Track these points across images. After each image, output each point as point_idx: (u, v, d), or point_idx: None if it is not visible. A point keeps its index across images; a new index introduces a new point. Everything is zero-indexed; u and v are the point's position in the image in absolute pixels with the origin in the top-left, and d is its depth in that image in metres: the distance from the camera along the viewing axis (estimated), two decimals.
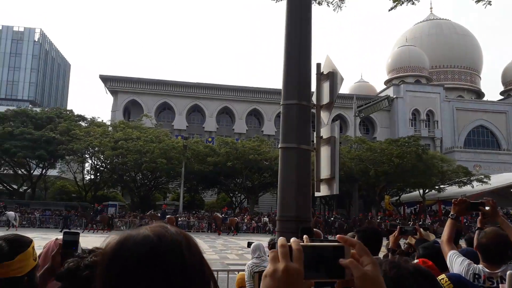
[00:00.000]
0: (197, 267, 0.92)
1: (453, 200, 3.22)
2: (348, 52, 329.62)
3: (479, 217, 3.27)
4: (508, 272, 2.44)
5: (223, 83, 62.65)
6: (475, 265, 2.90)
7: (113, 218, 34.10)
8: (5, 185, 44.36)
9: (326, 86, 5.07)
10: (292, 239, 0.87)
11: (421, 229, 4.25)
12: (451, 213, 3.22)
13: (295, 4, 5.27)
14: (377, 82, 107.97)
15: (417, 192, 44.42)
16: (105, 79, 59.10)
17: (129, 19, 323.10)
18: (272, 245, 5.00)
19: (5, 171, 44.05)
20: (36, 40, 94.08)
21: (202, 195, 49.08)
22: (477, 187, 39.01)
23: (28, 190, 45.56)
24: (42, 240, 17.22)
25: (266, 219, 36.70)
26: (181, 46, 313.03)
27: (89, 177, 47.00)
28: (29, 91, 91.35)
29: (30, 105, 71.42)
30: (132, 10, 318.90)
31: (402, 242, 4.40)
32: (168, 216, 31.48)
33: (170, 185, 45.69)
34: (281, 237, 0.90)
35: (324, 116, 5.15)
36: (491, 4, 8.17)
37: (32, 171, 44.20)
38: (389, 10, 8.82)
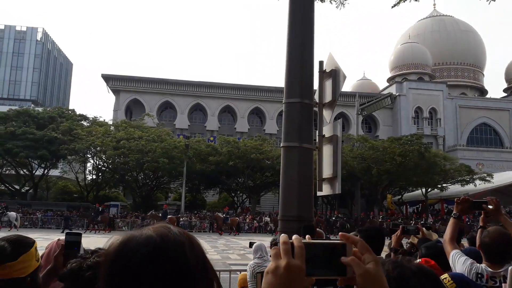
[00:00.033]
0: (200, 267, 0.92)
1: (455, 199, 3.21)
2: (351, 49, 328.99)
3: (482, 216, 3.25)
4: (510, 268, 2.43)
5: (225, 82, 62.84)
6: (478, 264, 2.90)
7: (115, 218, 34.10)
8: (7, 185, 44.38)
9: (328, 84, 5.04)
10: (294, 236, 0.87)
11: (424, 229, 4.24)
12: (454, 212, 3.20)
13: (298, 2, 5.26)
14: (380, 79, 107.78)
15: (420, 191, 44.32)
16: (107, 78, 59.17)
17: (131, 18, 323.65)
18: (274, 245, 4.98)
19: (7, 171, 44.10)
20: (39, 39, 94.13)
21: (204, 195, 49.08)
22: (480, 185, 38.88)
23: (30, 191, 45.58)
24: (44, 240, 17.15)
25: (267, 218, 36.65)
26: (183, 45, 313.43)
27: (91, 177, 47.08)
28: (31, 90, 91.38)
29: (32, 105, 71.66)
30: (134, 9, 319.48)
31: (404, 241, 4.39)
32: (170, 216, 31.30)
33: (172, 185, 45.64)
34: (283, 234, 0.90)
35: (327, 114, 5.10)
36: (494, 0, 7.98)
37: (34, 171, 44.16)
38: (392, 7, 8.53)
